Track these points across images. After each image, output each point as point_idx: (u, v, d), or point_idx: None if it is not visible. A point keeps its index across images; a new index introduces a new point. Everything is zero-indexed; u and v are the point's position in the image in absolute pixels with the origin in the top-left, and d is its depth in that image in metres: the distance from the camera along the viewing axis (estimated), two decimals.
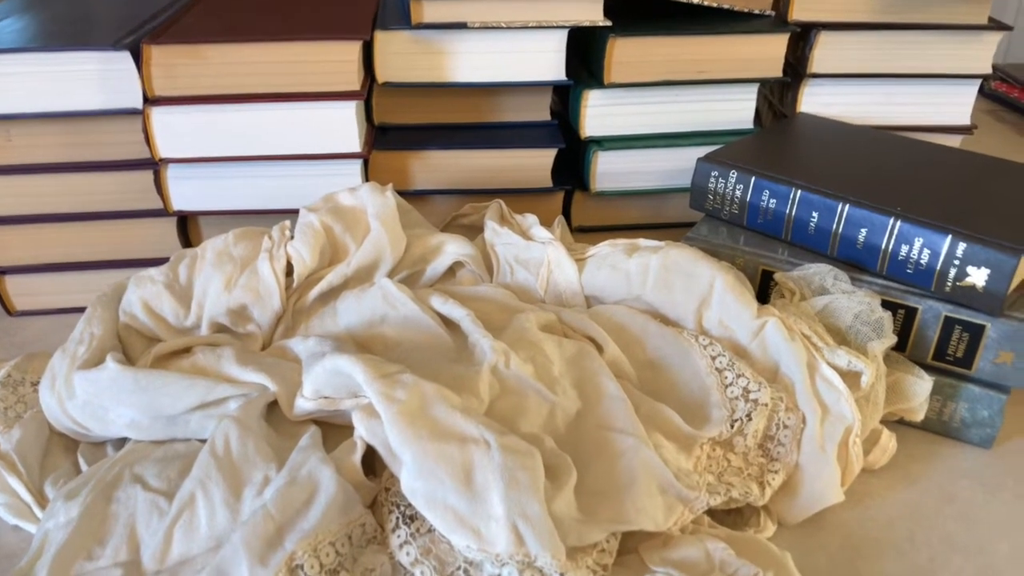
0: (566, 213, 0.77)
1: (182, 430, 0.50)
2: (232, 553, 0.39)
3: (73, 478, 0.49)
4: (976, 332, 0.53)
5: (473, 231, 0.69)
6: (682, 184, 0.74)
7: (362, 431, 0.44)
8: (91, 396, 0.50)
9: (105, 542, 0.43)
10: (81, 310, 0.60)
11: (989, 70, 0.75)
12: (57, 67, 0.62)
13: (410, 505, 0.42)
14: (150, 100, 0.63)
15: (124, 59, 0.62)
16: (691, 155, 0.70)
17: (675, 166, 0.74)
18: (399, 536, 0.41)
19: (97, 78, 0.62)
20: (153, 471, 0.46)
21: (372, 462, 0.46)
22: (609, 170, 0.74)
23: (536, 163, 0.73)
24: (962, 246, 0.52)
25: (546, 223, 0.65)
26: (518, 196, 0.73)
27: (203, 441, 0.50)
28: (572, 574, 0.39)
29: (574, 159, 0.77)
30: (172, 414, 0.49)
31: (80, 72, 0.62)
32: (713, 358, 0.52)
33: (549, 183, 0.73)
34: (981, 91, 0.77)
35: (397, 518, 0.42)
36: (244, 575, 0.38)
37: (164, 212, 0.68)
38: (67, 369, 0.51)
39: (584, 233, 0.77)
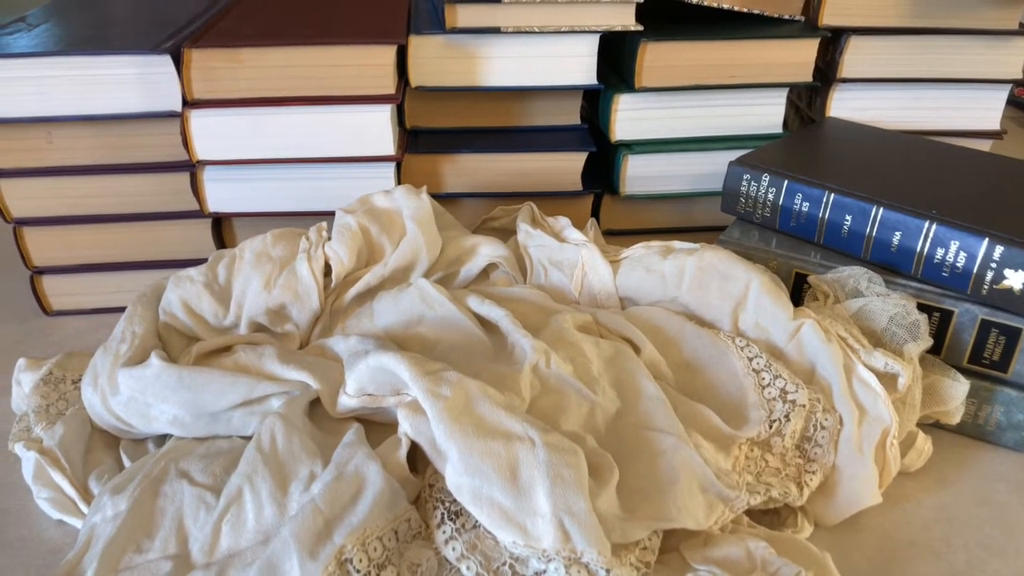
0: (595, 216, 0.77)
1: (224, 427, 0.51)
2: (282, 546, 0.39)
3: (117, 473, 0.50)
4: (1013, 335, 0.53)
5: (503, 234, 0.70)
6: (711, 188, 0.75)
7: (407, 428, 0.45)
8: (135, 393, 0.51)
9: (154, 535, 0.43)
10: (117, 310, 0.61)
11: (1019, 75, 0.75)
12: (98, 71, 0.63)
13: (455, 501, 0.42)
14: (189, 103, 0.64)
15: (164, 63, 0.63)
16: (720, 159, 0.70)
17: (704, 170, 0.75)
18: (444, 532, 0.42)
19: (137, 81, 0.63)
20: (198, 466, 0.47)
21: (414, 459, 0.46)
22: (638, 174, 0.74)
23: (566, 166, 0.73)
24: (999, 249, 0.52)
25: (576, 226, 0.65)
26: (548, 199, 0.74)
27: (245, 438, 0.50)
28: (617, 571, 0.39)
29: (604, 163, 0.77)
30: (215, 411, 0.50)
31: (120, 75, 0.63)
32: (750, 359, 0.52)
33: (579, 186, 0.74)
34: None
35: (442, 514, 0.42)
36: (295, 568, 0.38)
37: (200, 214, 0.69)
38: (110, 366, 0.52)
39: (613, 236, 0.77)
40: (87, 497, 0.49)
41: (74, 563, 0.43)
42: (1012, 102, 1.21)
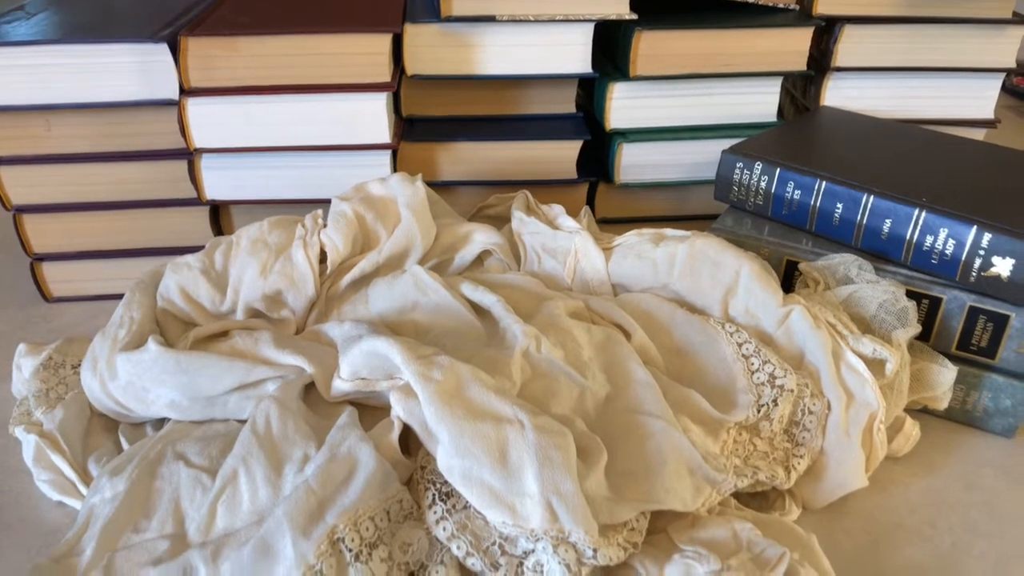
0: (590, 204, 0.78)
1: (220, 411, 0.51)
2: (276, 526, 0.40)
3: (115, 456, 0.50)
4: (1000, 322, 0.54)
5: (499, 221, 0.71)
6: (705, 176, 0.75)
7: (399, 411, 0.45)
8: (133, 377, 0.51)
9: (151, 515, 0.44)
10: (116, 296, 0.62)
11: (1013, 64, 0.75)
12: (96, 59, 0.63)
13: (446, 482, 0.43)
14: (186, 91, 0.65)
15: (162, 51, 0.63)
16: (715, 147, 0.71)
17: (699, 158, 0.75)
18: (435, 512, 0.43)
19: (135, 70, 0.64)
20: (195, 449, 0.48)
21: (407, 441, 0.47)
22: (633, 162, 0.75)
23: (561, 155, 0.74)
24: (987, 236, 0.53)
25: (571, 214, 0.66)
26: (543, 187, 0.74)
27: (241, 421, 0.51)
28: (604, 550, 0.40)
29: (599, 151, 0.78)
30: (211, 395, 0.51)
31: (118, 64, 0.64)
32: (739, 345, 0.53)
33: (574, 175, 0.74)
34: (1001, 86, 0.78)
35: (433, 495, 0.43)
36: (288, 547, 0.39)
37: (197, 201, 0.70)
38: (108, 351, 0.53)
39: (608, 224, 0.78)
40: (86, 479, 0.50)
41: (73, 543, 0.44)
42: (1011, 91, 1.21)
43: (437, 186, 0.72)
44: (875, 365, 0.52)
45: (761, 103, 0.75)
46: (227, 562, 0.40)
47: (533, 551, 0.40)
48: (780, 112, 0.76)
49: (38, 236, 0.70)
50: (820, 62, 0.75)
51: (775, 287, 0.55)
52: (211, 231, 0.72)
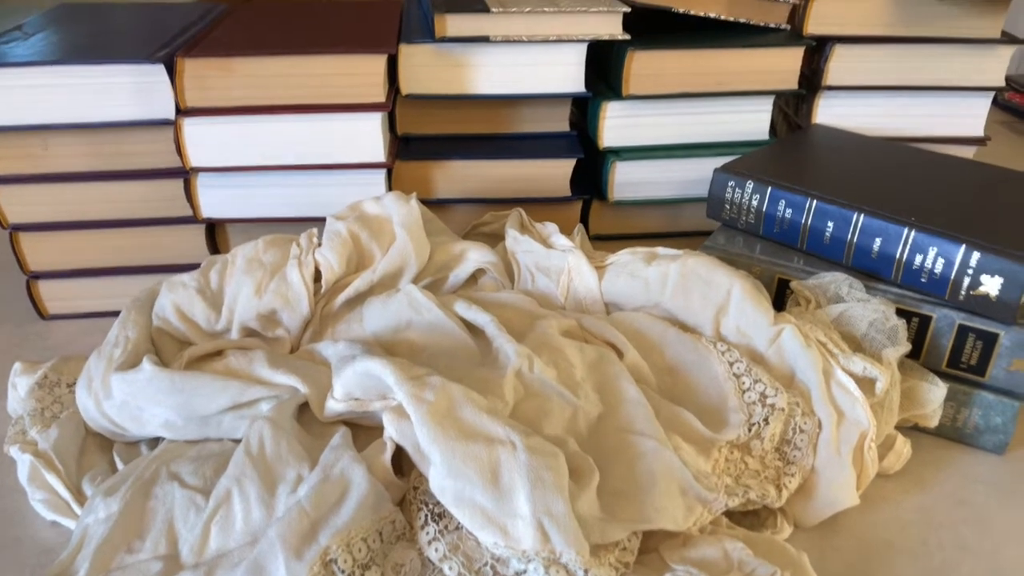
0: (584, 222, 0.78)
1: (215, 430, 0.52)
2: (269, 547, 0.40)
3: (110, 476, 0.51)
4: (990, 340, 0.54)
5: (493, 239, 0.71)
6: (698, 194, 0.76)
7: (392, 432, 0.46)
8: (128, 397, 0.52)
9: (144, 536, 0.44)
10: (112, 314, 0.62)
11: (1002, 83, 0.76)
12: (93, 79, 0.64)
13: (438, 503, 0.43)
14: (182, 111, 0.65)
15: (158, 72, 0.64)
16: (707, 165, 0.71)
17: (691, 176, 0.76)
18: (428, 533, 0.43)
19: (132, 90, 0.64)
20: (189, 469, 0.48)
21: (400, 462, 0.47)
22: (626, 180, 0.75)
23: (555, 173, 0.74)
24: (976, 255, 0.53)
25: (564, 232, 0.66)
26: (537, 205, 0.75)
27: (235, 441, 0.51)
28: (595, 571, 0.40)
29: (592, 169, 0.78)
30: (206, 414, 0.51)
31: (115, 84, 0.64)
32: (731, 364, 0.53)
33: (568, 192, 0.75)
34: (994, 101, 0.78)
35: (426, 516, 0.43)
36: (280, 568, 0.39)
37: (193, 219, 0.70)
38: (104, 371, 0.53)
39: (601, 241, 0.78)
40: (80, 499, 0.50)
41: (67, 563, 0.44)
42: (1003, 106, 1.22)
43: (432, 204, 0.73)
44: (865, 383, 0.52)
45: (753, 121, 0.76)
46: None
47: (525, 572, 0.41)
48: (773, 129, 0.77)
49: (34, 254, 0.71)
50: (811, 81, 0.76)
51: (766, 306, 0.56)
52: (207, 249, 0.72)
